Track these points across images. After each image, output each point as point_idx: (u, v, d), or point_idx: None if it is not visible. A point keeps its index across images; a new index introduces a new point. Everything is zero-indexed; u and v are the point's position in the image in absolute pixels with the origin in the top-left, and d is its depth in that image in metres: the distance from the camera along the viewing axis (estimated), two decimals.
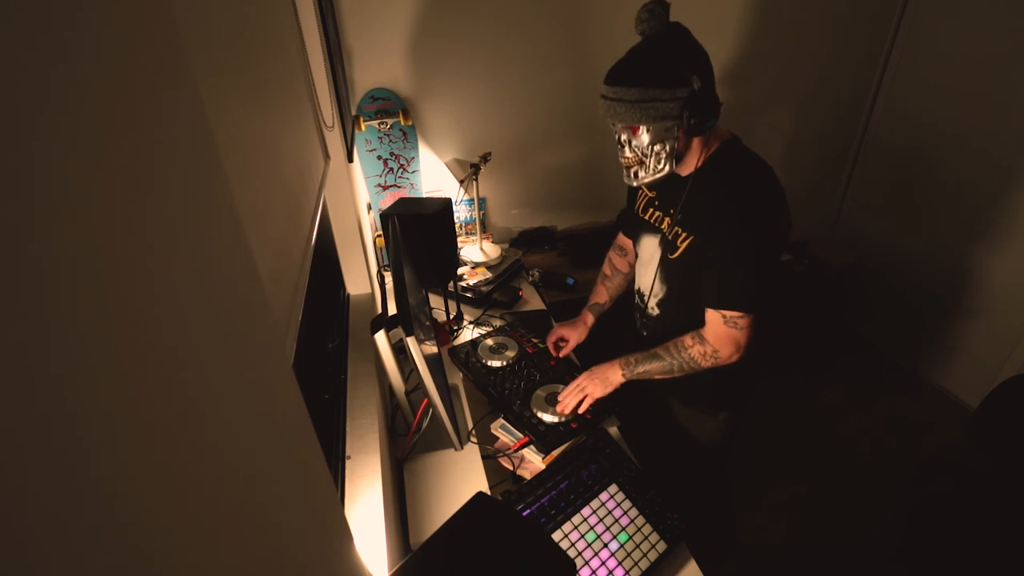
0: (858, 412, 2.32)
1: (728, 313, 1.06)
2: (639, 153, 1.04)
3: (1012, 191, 2.03)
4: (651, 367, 1.15)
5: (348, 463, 0.91)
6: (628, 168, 1.09)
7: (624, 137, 1.05)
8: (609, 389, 1.18)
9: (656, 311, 1.25)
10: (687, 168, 1.09)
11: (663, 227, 1.17)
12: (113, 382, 0.20)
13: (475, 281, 1.76)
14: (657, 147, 1.02)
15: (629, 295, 1.40)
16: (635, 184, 1.10)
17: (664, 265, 1.17)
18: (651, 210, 1.21)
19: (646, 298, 1.26)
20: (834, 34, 2.24)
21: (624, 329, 1.42)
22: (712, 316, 1.08)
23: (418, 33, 1.82)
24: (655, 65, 0.97)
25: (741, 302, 1.04)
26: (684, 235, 1.10)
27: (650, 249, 1.22)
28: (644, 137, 1.02)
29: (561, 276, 1.94)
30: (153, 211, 0.25)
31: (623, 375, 1.18)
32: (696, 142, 1.05)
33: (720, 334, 1.07)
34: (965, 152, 2.15)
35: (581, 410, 1.19)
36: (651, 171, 1.06)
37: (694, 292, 1.11)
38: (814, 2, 2.15)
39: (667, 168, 1.05)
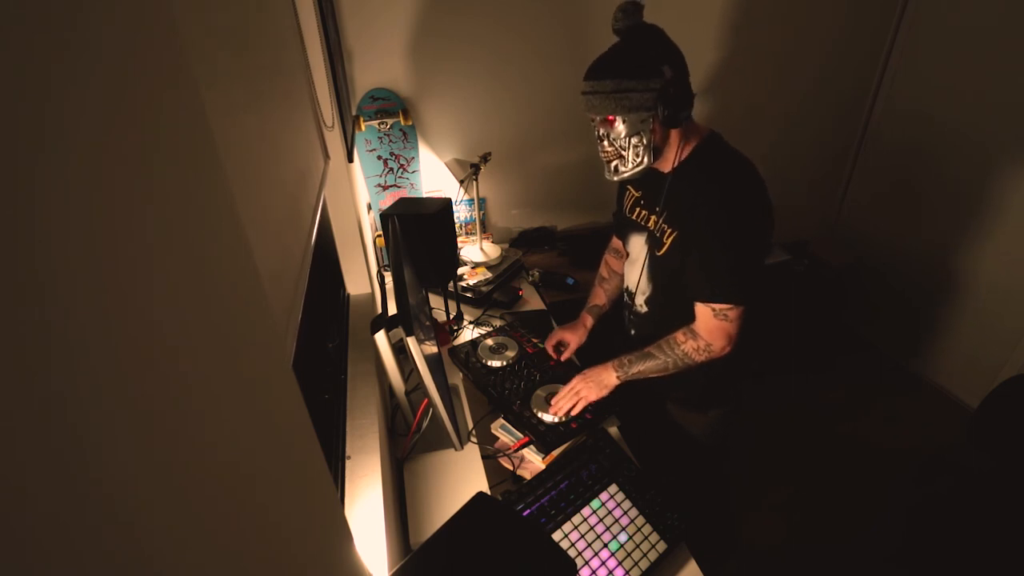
0: (858, 412, 2.32)
1: (718, 306, 1.06)
2: (617, 146, 1.07)
3: (1012, 191, 2.03)
4: (645, 366, 1.15)
5: (348, 463, 0.91)
6: (608, 162, 1.11)
7: (602, 131, 1.07)
8: (604, 392, 1.18)
9: (644, 308, 1.25)
10: (668, 164, 1.10)
11: (649, 225, 1.18)
12: (113, 382, 0.20)
13: (475, 281, 1.76)
14: (634, 139, 1.04)
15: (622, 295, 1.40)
16: (615, 179, 1.11)
17: (651, 262, 1.18)
18: (638, 209, 1.22)
19: (634, 296, 1.26)
20: (834, 34, 2.24)
21: (616, 331, 1.42)
22: (702, 310, 1.09)
23: (418, 33, 1.82)
24: (628, 59, 1.01)
25: (730, 295, 1.05)
26: (669, 231, 1.11)
27: (638, 247, 1.23)
28: (620, 128, 1.04)
29: (561, 276, 1.94)
30: (153, 211, 0.25)
31: (617, 377, 1.18)
32: (674, 136, 1.06)
33: (711, 327, 1.08)
34: (965, 152, 2.15)
35: (574, 412, 1.19)
36: (629, 164, 1.07)
37: (681, 289, 1.11)
38: (814, 2, 2.15)
39: (645, 161, 1.06)
